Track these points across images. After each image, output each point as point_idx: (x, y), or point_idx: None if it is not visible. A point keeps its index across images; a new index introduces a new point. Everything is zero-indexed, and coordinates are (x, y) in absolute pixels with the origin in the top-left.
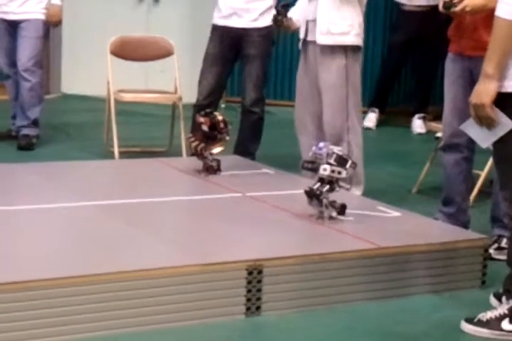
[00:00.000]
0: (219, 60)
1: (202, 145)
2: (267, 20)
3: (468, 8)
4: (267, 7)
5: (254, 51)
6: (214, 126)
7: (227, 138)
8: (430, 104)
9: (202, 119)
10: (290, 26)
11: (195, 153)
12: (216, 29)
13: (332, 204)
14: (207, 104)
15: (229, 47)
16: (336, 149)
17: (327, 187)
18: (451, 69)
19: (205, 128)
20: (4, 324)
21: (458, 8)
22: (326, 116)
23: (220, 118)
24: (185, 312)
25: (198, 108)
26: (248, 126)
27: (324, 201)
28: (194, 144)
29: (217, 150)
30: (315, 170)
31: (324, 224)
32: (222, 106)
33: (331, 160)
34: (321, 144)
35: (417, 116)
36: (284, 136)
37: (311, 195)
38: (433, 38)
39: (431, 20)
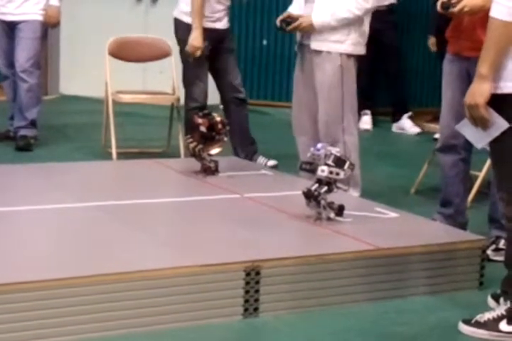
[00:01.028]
0: (208, 61)
1: (200, 146)
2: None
3: (466, 9)
4: None
5: (234, 46)
6: (212, 127)
7: (225, 139)
8: (428, 106)
9: (200, 120)
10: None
11: (193, 154)
12: (204, 31)
13: (330, 205)
14: (204, 106)
15: (213, 47)
16: (334, 150)
17: (325, 188)
18: (449, 70)
19: (203, 129)
20: None
21: (456, 9)
22: (321, 118)
23: (218, 119)
24: (183, 314)
25: (198, 110)
26: (245, 116)
27: (322, 202)
28: (192, 145)
29: (215, 151)
30: (313, 171)
31: (322, 225)
32: (221, 107)
33: (329, 161)
34: (319, 145)
35: (406, 115)
36: (282, 137)
37: (309, 196)
38: (388, 37)
39: (383, 20)
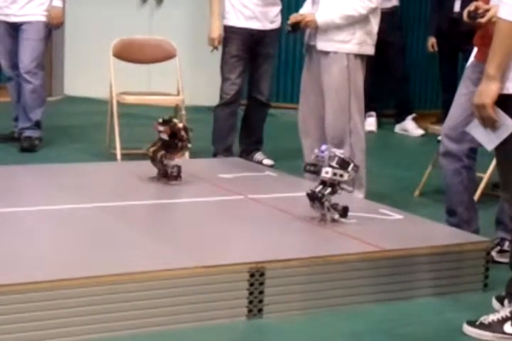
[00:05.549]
0: (242, 61)
1: (162, 152)
2: (279, 22)
3: (495, 19)
4: (279, 10)
5: (272, 50)
6: (174, 134)
7: (189, 145)
8: (433, 107)
9: (161, 128)
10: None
11: (151, 158)
12: (236, 31)
13: (334, 206)
14: (232, 103)
15: (249, 48)
16: (338, 152)
17: (329, 189)
18: (470, 74)
19: (164, 137)
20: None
21: (484, 19)
22: (327, 119)
23: (180, 125)
24: (186, 315)
25: (224, 107)
26: (262, 117)
27: (326, 204)
28: (152, 149)
29: (178, 158)
30: (317, 172)
31: (326, 227)
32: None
33: (333, 163)
34: (323, 147)
35: (409, 117)
36: (287, 139)
37: (313, 197)
38: (393, 38)
39: (387, 22)
